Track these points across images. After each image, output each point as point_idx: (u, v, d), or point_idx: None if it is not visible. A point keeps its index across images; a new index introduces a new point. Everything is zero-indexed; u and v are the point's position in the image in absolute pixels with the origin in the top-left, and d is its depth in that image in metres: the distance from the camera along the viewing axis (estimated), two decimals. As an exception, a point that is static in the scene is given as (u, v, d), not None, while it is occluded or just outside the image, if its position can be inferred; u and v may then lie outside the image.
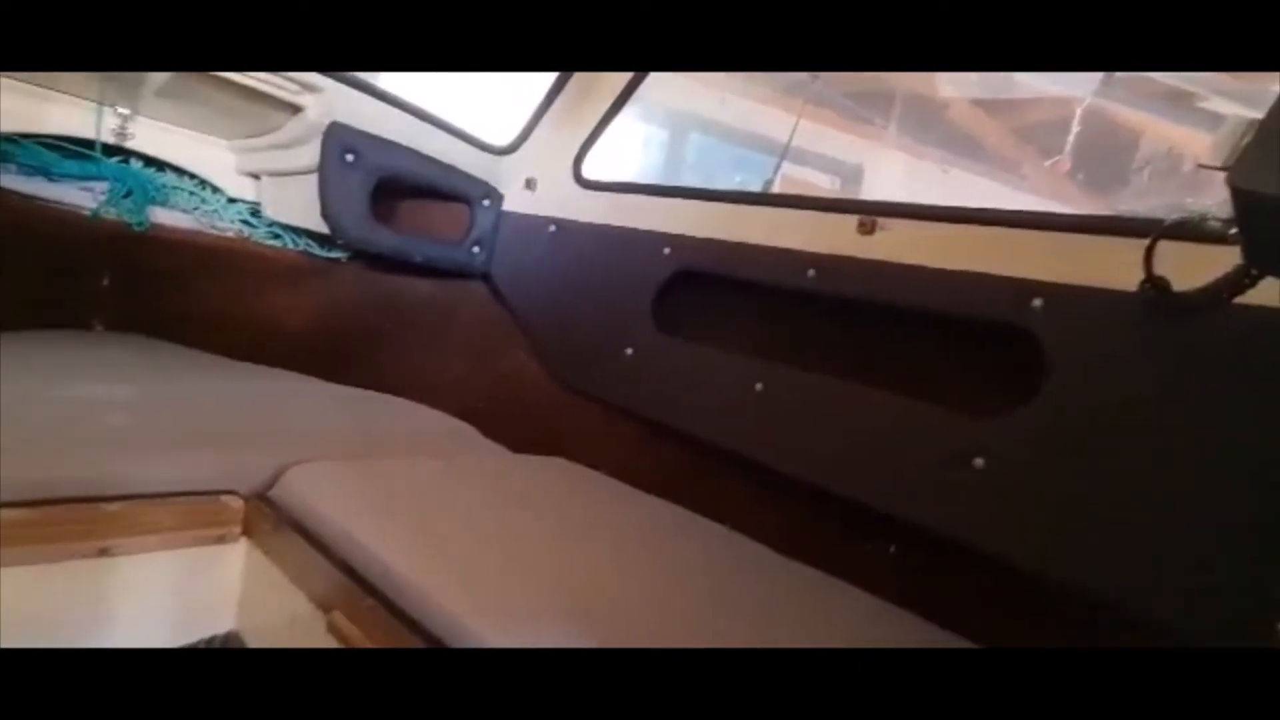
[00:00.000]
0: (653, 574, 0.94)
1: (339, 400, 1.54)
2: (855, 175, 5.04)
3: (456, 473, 1.20)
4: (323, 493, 1.01)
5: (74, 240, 1.64)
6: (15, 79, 1.48)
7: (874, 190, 5.00)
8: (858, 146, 4.96)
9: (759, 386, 1.26)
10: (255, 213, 1.86)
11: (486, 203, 1.79)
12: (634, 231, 1.53)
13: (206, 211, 1.81)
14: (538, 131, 1.75)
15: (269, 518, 1.02)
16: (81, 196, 1.63)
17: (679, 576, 0.97)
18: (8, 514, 0.86)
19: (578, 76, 1.66)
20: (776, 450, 1.23)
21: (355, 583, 0.84)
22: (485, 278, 1.79)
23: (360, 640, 0.80)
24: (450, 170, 1.75)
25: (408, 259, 1.77)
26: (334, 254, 1.85)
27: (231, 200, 1.83)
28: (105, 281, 1.72)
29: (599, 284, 1.58)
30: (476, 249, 1.78)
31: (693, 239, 1.43)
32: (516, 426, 1.58)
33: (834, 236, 1.23)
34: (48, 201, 1.59)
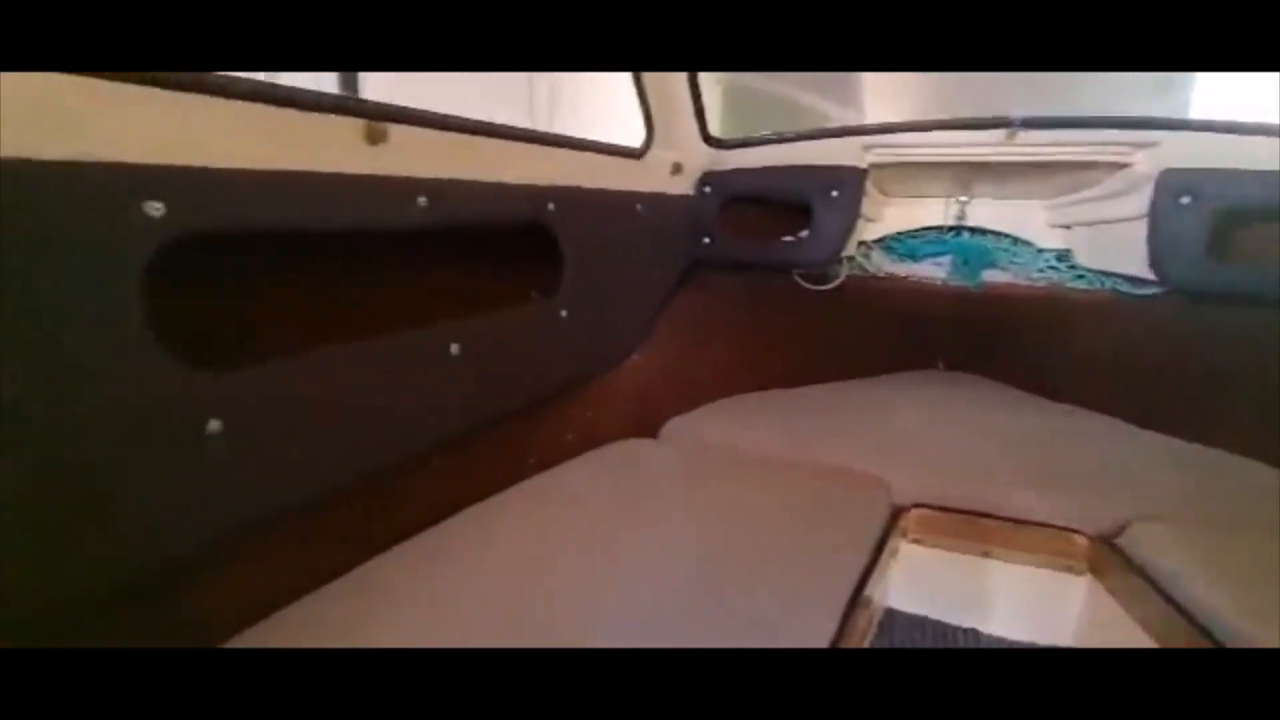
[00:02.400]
0: None
1: (1166, 453, 1.50)
2: None
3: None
4: (1173, 555, 1.06)
5: (927, 303, 2.22)
6: (892, 198, 2.14)
7: None
8: None
9: None
10: (1060, 258, 2.02)
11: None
12: None
13: (1020, 265, 2.10)
14: None
15: (1116, 563, 1.15)
16: (933, 270, 2.19)
17: None
18: (926, 513, 1.32)
19: None
20: None
21: None
22: None
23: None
24: None
25: None
26: (1146, 291, 1.80)
27: (1039, 251, 2.06)
28: (948, 332, 2.26)
29: None
30: None
31: None
32: None
33: None
34: (910, 278, 2.23)
